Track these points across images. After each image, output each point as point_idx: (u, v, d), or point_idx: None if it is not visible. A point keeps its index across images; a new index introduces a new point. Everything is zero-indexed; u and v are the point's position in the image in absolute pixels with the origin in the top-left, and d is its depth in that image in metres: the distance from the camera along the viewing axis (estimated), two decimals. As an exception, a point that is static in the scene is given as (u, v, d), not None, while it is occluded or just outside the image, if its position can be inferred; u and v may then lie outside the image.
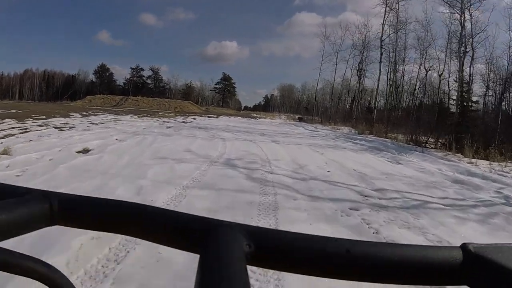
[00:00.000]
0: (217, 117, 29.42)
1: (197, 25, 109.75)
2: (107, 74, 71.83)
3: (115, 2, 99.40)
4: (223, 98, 76.36)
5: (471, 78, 16.59)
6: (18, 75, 70.86)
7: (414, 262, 0.20)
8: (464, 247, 0.20)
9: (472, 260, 0.20)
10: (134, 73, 72.25)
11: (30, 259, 0.23)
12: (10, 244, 0.20)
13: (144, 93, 66.58)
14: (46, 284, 0.24)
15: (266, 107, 78.62)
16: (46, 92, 70.62)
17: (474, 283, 0.20)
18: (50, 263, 0.24)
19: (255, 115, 57.97)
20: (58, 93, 68.76)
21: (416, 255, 0.20)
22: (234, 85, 78.39)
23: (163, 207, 0.18)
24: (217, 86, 77.40)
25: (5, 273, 0.21)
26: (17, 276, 0.22)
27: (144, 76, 73.03)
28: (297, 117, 46.83)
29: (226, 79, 77.10)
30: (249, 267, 0.19)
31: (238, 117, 37.48)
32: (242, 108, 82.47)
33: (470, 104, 15.64)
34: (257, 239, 0.20)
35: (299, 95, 78.07)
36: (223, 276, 0.16)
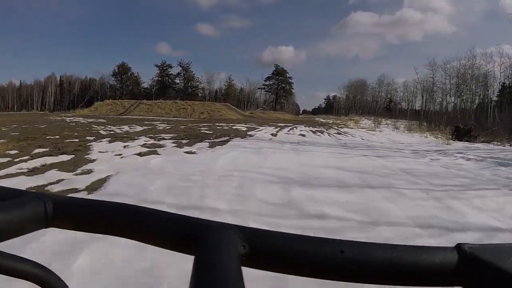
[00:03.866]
0: (224, 141, 10.05)
1: (253, 31, 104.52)
2: (129, 74, 56.99)
3: (173, 14, 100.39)
4: (276, 98, 57.04)
5: None
6: (38, 84, 59.86)
7: (409, 262, 0.20)
8: (459, 247, 0.20)
9: (467, 261, 0.20)
10: (160, 71, 56.47)
11: (26, 262, 0.23)
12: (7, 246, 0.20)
13: (170, 95, 50.31)
14: (41, 287, 0.24)
15: (328, 109, 59.10)
16: (61, 100, 58.42)
17: (468, 284, 0.19)
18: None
19: (322, 120, 37.13)
20: (75, 101, 56.24)
21: (411, 255, 0.20)
22: (290, 81, 58.50)
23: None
24: (268, 82, 58.24)
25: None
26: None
27: (172, 74, 56.95)
28: (451, 129, 19.35)
29: (279, 73, 57.44)
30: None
31: (294, 129, 17.86)
32: (301, 112, 64.07)
33: None
34: (252, 240, 0.20)
35: (375, 93, 57.21)
36: (218, 277, 0.16)
